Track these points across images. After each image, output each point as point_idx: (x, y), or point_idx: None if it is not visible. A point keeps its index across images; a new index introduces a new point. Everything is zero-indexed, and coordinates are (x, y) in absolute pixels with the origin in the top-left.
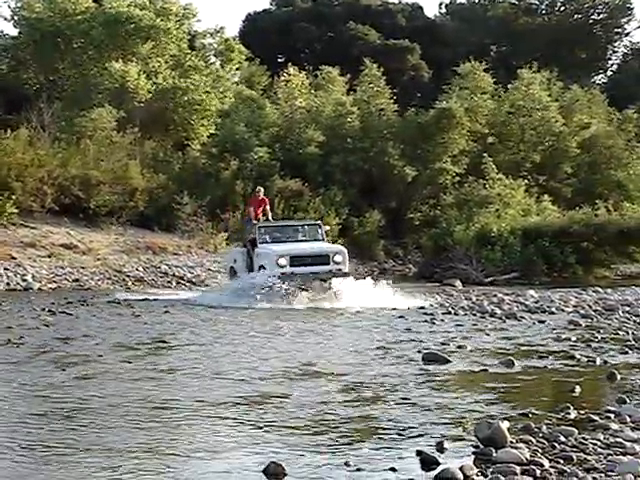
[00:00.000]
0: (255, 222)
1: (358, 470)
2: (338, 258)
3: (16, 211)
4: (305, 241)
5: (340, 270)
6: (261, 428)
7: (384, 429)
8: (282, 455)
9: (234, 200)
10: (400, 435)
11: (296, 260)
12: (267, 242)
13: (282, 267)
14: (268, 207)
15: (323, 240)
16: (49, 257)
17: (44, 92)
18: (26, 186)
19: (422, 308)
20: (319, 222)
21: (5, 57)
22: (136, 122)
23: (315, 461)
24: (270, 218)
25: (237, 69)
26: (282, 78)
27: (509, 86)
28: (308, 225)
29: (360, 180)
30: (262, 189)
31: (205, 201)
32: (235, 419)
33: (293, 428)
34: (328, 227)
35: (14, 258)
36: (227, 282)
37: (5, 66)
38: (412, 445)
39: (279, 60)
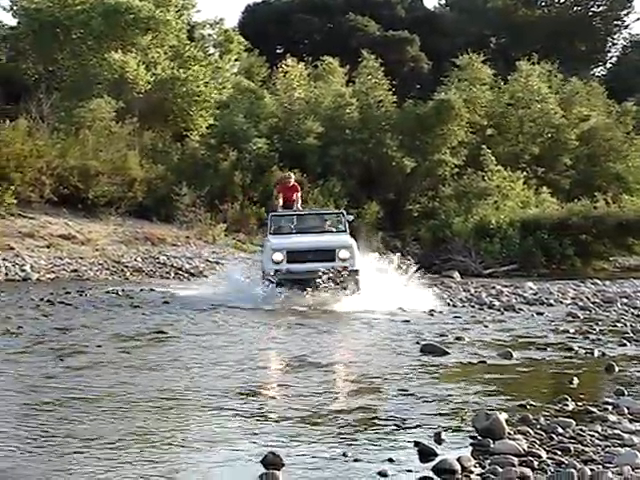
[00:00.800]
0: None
1: (356, 461)
2: (344, 254)
3: (15, 201)
4: (321, 233)
5: (346, 268)
6: (259, 418)
7: (382, 420)
8: (280, 445)
9: (233, 191)
10: (398, 426)
11: (294, 255)
12: (277, 233)
13: (277, 263)
14: (300, 194)
15: (345, 232)
16: (48, 247)
17: (43, 82)
18: (25, 176)
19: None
20: (342, 211)
21: (4, 47)
22: (135, 113)
23: (313, 452)
24: (299, 207)
25: (236, 60)
26: (280, 69)
27: (508, 78)
28: (329, 214)
29: (359, 171)
30: (292, 174)
31: (204, 192)
32: (233, 409)
33: (291, 419)
34: (352, 217)
35: (12, 248)
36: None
37: (4, 56)
38: (410, 436)
39: (278, 51)
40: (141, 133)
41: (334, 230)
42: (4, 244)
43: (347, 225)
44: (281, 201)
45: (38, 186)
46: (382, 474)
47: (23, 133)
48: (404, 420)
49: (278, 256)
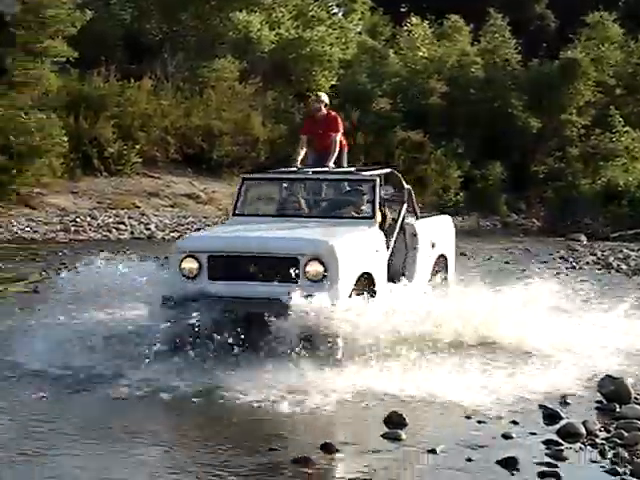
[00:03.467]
0: (297, 167)
1: (479, 422)
2: (314, 268)
3: (140, 160)
4: (327, 218)
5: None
6: (383, 378)
7: (507, 383)
8: (403, 406)
9: (355, 151)
10: (523, 388)
11: (223, 265)
12: (242, 215)
13: (189, 278)
14: (339, 137)
15: (372, 219)
16: (172, 207)
17: (167, 42)
18: (150, 136)
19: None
20: (371, 174)
21: (128, 7)
22: (258, 72)
23: (435, 412)
24: (331, 163)
25: (360, 19)
26: (405, 28)
27: (639, 37)
28: (348, 181)
29: (483, 132)
30: (323, 96)
31: None
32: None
33: (414, 381)
34: (410, 186)
35: (138, 207)
36: None
37: (129, 16)
38: (535, 399)
39: (402, 10)
40: (264, 93)
41: (355, 215)
42: (130, 203)
43: (378, 204)
44: (302, 152)
45: (163, 145)
46: (506, 436)
47: (148, 93)
48: (529, 382)
49: (191, 264)
